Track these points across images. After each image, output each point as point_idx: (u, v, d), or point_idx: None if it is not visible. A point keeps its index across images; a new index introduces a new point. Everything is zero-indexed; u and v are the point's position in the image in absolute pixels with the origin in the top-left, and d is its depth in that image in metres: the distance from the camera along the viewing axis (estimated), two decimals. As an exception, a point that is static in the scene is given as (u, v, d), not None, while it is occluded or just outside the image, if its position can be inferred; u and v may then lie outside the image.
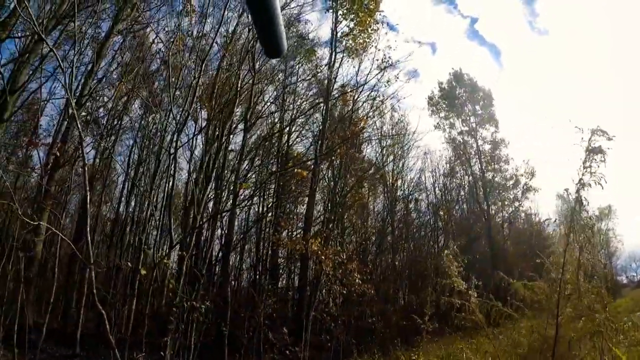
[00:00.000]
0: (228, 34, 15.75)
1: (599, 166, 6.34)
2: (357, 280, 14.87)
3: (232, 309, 14.77)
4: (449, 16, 58.45)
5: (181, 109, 12.18)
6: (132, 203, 22.45)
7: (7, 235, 20.04)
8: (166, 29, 16.69)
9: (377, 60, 19.97)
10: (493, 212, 32.42)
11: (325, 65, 19.67)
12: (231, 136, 14.90)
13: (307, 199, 21.84)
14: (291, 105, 20.45)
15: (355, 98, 20.20)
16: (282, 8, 15.03)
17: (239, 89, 12.99)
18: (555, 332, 6.47)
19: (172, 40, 12.16)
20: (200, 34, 13.88)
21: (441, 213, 30.89)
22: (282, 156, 18.96)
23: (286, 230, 19.46)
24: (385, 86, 20.44)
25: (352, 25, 19.62)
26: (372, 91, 20.40)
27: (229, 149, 14.95)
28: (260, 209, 21.60)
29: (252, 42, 13.27)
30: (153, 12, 17.83)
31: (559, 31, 63.98)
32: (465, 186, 33.91)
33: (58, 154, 15.29)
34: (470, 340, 15.72)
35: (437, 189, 33.12)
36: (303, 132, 21.78)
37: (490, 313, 8.35)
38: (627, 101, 66.81)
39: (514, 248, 29.22)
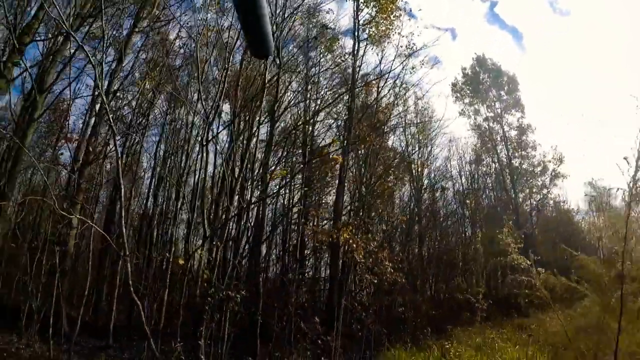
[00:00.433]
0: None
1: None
2: (388, 269, 14.84)
3: (263, 299, 14.86)
4: (468, 0, 57.15)
5: (211, 101, 12.25)
6: (160, 197, 22.80)
7: (39, 231, 20.65)
8: (189, 23, 16.89)
9: (401, 47, 19.83)
10: (520, 200, 32.06)
11: (349, 54, 19.62)
12: (260, 127, 14.90)
13: (332, 189, 21.90)
14: (314, 96, 20.42)
15: (379, 86, 20.08)
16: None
17: (266, 80, 12.99)
18: (620, 305, 6.38)
19: (200, 33, 12.18)
20: (223, 27, 13.88)
21: (468, 202, 30.65)
22: (307, 147, 18.91)
23: (314, 221, 19.50)
24: (410, 73, 20.31)
25: (373, 12, 19.51)
26: (396, 79, 20.16)
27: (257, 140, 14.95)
28: (287, 200, 21.73)
29: (275, 33, 13.31)
30: (173, 8, 17.98)
31: (580, 12, 61.75)
32: (492, 174, 33.54)
33: (91, 148, 15.53)
34: (501, 330, 15.81)
35: (463, 177, 32.99)
36: (327, 122, 21.78)
37: (555, 289, 8.24)
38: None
39: (542, 236, 28.83)
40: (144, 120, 19.81)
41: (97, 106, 17.17)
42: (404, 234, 24.23)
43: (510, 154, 32.53)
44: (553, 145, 32.99)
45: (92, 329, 15.93)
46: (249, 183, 14.55)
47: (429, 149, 28.64)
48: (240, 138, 15.51)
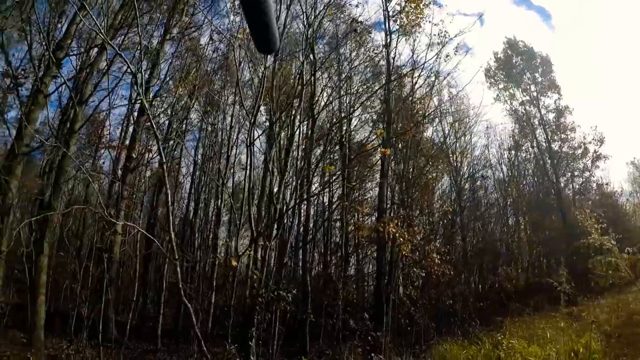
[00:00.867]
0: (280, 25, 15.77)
1: None
2: (436, 261, 14.70)
3: (311, 297, 14.88)
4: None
5: (250, 102, 12.27)
6: (201, 201, 23.05)
7: (82, 239, 21.06)
8: (220, 27, 16.97)
9: (434, 35, 19.57)
10: (562, 184, 31.23)
11: (382, 47, 19.45)
12: (302, 125, 14.89)
13: (370, 184, 21.77)
14: (348, 91, 20.28)
15: (414, 77, 19.83)
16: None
17: (304, 79, 12.97)
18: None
19: (233, 36, 12.20)
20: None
21: (509, 190, 30.19)
22: (345, 143, 18.81)
23: (356, 216, 19.41)
24: (445, 61, 19.93)
25: (403, 2, 19.28)
26: (431, 69, 19.89)
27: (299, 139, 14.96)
28: (328, 197, 21.67)
29: (308, 30, 13.25)
30: (201, 15, 18.10)
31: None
32: (532, 159, 32.79)
33: (134, 155, 15.78)
34: (550, 320, 15.52)
35: (503, 164, 32.40)
36: (363, 116, 21.63)
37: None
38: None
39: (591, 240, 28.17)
40: (181, 126, 20.02)
41: (134, 115, 17.52)
42: (448, 225, 23.97)
43: (549, 137, 31.62)
44: (593, 126, 32.17)
45: (139, 333, 16.20)
46: (293, 182, 14.52)
47: (467, 137, 28.27)
48: (279, 138, 15.53)
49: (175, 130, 19.17)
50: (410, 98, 19.31)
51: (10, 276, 15.46)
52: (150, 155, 18.45)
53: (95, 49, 14.73)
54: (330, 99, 18.13)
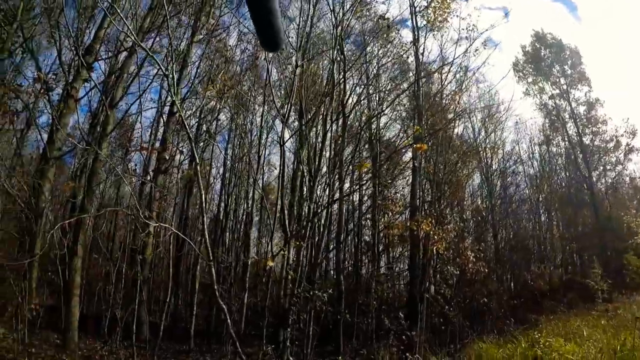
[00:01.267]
0: (305, 25, 15.75)
1: None
2: (471, 259, 14.56)
3: (344, 296, 14.83)
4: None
5: (279, 101, 12.26)
6: (231, 201, 23.14)
7: (114, 241, 21.33)
8: (249, 27, 16.97)
9: (462, 29, 19.37)
10: (595, 178, 30.59)
11: (410, 44, 19.24)
12: (333, 125, 14.85)
13: (401, 182, 21.61)
14: (376, 89, 20.15)
15: (443, 73, 19.58)
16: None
17: (336, 78, 12.94)
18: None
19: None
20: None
21: (541, 185, 29.79)
22: (374, 140, 18.69)
23: (386, 215, 19.28)
24: (474, 56, 19.65)
25: (429, -3, 19.10)
26: (460, 65, 19.67)
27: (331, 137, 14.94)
28: (359, 196, 21.58)
29: (337, 29, 13.16)
30: (228, 16, 18.17)
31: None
32: (563, 154, 32.37)
33: (167, 156, 15.90)
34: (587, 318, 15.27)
35: (534, 160, 32.08)
36: (391, 114, 21.46)
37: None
38: None
39: (621, 216, 27.64)
40: (211, 127, 20.15)
41: (164, 117, 17.65)
42: (480, 222, 23.75)
43: (580, 131, 31.05)
44: (624, 118, 31.49)
45: (171, 333, 16.29)
46: (326, 181, 14.49)
47: (497, 133, 27.89)
48: (311, 136, 15.51)
49: (205, 132, 19.31)
50: (439, 94, 19.09)
51: (44, 278, 15.66)
52: (182, 157, 18.65)
53: (124, 53, 14.85)
54: (360, 97, 18.07)
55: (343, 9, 13.48)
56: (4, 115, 11.76)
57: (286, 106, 11.62)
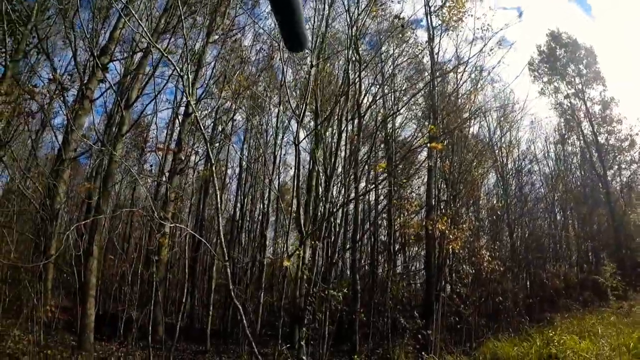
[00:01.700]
0: (320, 25, 15.75)
1: None
2: (486, 258, 14.53)
3: (360, 295, 14.84)
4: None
5: (294, 102, 12.28)
6: (247, 202, 23.21)
7: (130, 242, 21.43)
8: (263, 27, 17.03)
9: (477, 29, 19.28)
10: (610, 177, 30.41)
11: (425, 43, 19.19)
12: (348, 125, 14.83)
13: (416, 182, 21.58)
14: (392, 89, 20.14)
15: (458, 73, 19.51)
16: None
17: (351, 78, 12.93)
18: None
19: (278, 36, 12.17)
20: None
21: (557, 184, 29.63)
22: (390, 140, 18.69)
23: (403, 214, 19.25)
24: (489, 55, 19.56)
25: (444, -5, 19.06)
26: (475, 64, 19.60)
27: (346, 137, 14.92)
28: (374, 195, 21.57)
29: (352, 29, 13.15)
30: (243, 17, 18.24)
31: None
32: (578, 153, 32.21)
33: (183, 157, 15.96)
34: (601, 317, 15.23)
35: (549, 159, 31.97)
36: (406, 114, 21.44)
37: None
38: None
39: (636, 215, 27.52)
40: (226, 128, 20.19)
41: (180, 118, 17.69)
42: (497, 221, 23.68)
43: (595, 130, 30.77)
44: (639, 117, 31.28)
45: (187, 334, 16.35)
46: (342, 181, 14.49)
47: (513, 133, 27.82)
48: (327, 136, 15.51)
49: (221, 132, 19.37)
50: (455, 94, 19.04)
51: (60, 279, 15.77)
52: (197, 157, 18.72)
53: (139, 54, 14.87)
54: (375, 97, 18.06)
55: (358, 9, 13.49)
56: (19, 116, 11.87)
57: (301, 106, 11.60)
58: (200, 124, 9.30)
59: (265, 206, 21.70)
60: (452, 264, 15.69)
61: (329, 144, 15.06)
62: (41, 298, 9.79)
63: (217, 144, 19.59)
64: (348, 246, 15.98)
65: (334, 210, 12.68)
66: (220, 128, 19.86)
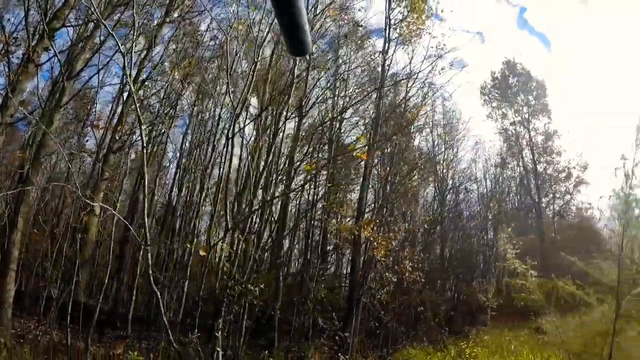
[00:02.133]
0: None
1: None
2: (408, 268, 14.85)
3: (282, 293, 14.90)
4: (498, 5, 56.15)
5: (239, 94, 12.24)
6: (184, 188, 22.95)
7: (60, 218, 20.84)
8: (220, 15, 16.89)
9: (432, 47, 19.62)
10: (544, 204, 31.97)
11: (379, 53, 19.44)
12: (288, 122, 14.91)
13: (356, 186, 21.81)
14: (342, 93, 20.32)
15: (408, 86, 19.81)
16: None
17: (295, 76, 13.00)
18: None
19: (230, 26, 12.06)
20: (255, 20, 13.80)
21: (491, 204, 30.44)
22: (333, 143, 18.88)
23: (337, 217, 19.46)
24: (439, 74, 19.96)
25: (405, 12, 19.29)
26: (425, 79, 19.91)
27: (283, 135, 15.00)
28: (312, 196, 21.71)
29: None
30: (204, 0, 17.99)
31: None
32: (517, 178, 33.54)
33: (118, 137, 15.64)
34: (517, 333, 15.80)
35: (488, 180, 32.77)
36: (354, 120, 21.67)
37: (551, 293, 8.40)
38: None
39: (564, 242, 28.61)
40: (171, 111, 19.80)
41: (125, 95, 17.30)
42: (427, 233, 24.15)
43: (535, 158, 32.38)
44: (578, 152, 32.67)
45: (111, 318, 16.03)
46: (274, 177, 14.55)
47: (454, 150, 28.49)
48: (267, 132, 15.51)
49: (163, 115, 19.02)
50: (402, 105, 19.34)
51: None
52: (136, 137, 18.31)
53: (93, 23, 14.40)
54: (324, 98, 18.21)
55: (315, 10, 13.67)
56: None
57: (245, 98, 11.60)
58: (137, 106, 9.23)
59: (203, 195, 21.51)
60: (377, 270, 15.94)
61: (268, 140, 15.08)
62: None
63: (159, 125, 19.29)
64: (270, 241, 15.95)
65: (259, 205, 12.74)
66: (164, 110, 19.47)
